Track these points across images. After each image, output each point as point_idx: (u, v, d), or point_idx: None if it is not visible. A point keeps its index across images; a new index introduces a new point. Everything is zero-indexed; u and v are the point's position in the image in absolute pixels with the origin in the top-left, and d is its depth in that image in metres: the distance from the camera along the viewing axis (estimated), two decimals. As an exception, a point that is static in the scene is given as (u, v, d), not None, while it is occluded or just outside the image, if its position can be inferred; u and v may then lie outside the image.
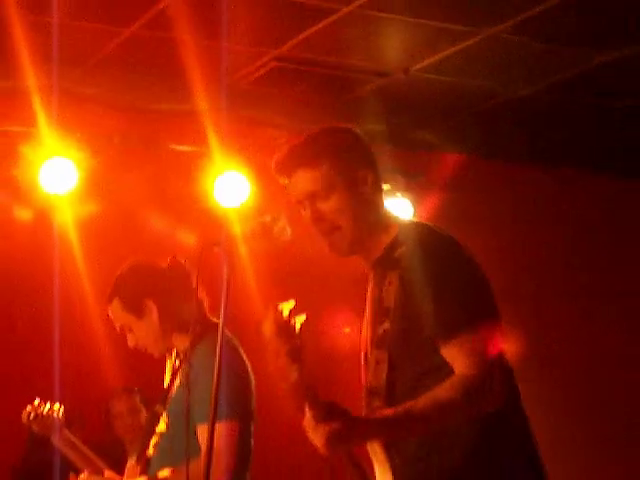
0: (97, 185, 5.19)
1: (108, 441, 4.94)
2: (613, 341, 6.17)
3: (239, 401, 2.88)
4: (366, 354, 2.55)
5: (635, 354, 6.17)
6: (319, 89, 5.02)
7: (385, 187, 2.82)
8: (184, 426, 2.78)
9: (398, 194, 5.36)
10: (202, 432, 2.71)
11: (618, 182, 6.42)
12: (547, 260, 6.13)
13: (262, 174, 5.09)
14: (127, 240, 5.28)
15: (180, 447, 2.81)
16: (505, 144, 6.04)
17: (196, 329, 3.04)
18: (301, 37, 4.59)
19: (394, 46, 4.89)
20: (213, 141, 5.03)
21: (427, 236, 2.53)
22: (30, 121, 4.84)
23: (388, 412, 2.39)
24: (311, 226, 2.49)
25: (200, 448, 2.78)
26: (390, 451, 2.46)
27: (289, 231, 2.47)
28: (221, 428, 2.72)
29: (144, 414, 4.83)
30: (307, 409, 2.30)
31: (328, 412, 2.27)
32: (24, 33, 4.32)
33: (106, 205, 5.32)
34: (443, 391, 2.34)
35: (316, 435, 2.28)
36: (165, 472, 2.98)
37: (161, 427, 3.20)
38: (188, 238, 4.99)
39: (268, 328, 2.23)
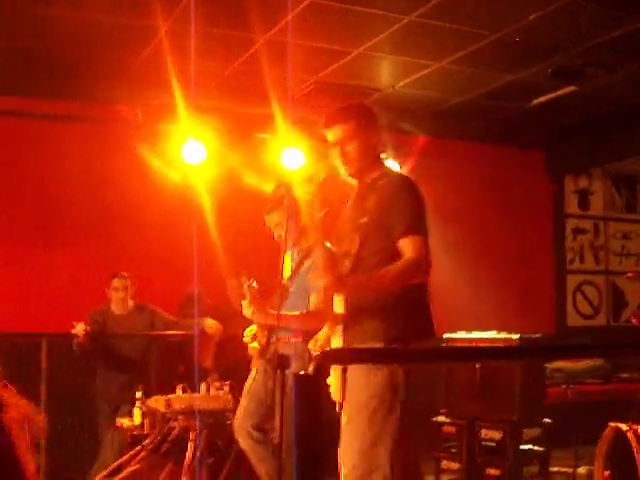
0: (217, 158, 7.12)
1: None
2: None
3: None
4: (341, 237, 3.61)
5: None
6: (342, 100, 4.98)
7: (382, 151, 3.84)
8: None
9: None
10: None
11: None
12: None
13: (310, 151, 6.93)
14: (233, 193, 7.22)
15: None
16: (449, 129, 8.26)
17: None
18: (329, 70, 6.56)
19: (385, 72, 6.75)
20: (282, 130, 6.83)
21: (399, 176, 3.73)
22: (177, 118, 6.66)
23: (360, 277, 3.48)
24: (337, 158, 3.59)
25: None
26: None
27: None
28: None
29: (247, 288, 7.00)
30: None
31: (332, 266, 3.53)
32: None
33: (222, 171, 7.24)
34: (397, 265, 3.39)
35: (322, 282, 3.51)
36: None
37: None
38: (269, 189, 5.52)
39: None
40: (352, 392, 3.50)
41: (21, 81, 6.68)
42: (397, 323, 3.42)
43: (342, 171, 3.60)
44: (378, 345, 3.37)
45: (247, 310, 4.51)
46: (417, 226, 3.45)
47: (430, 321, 3.57)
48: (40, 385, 5.52)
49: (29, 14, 5.52)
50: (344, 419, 3.50)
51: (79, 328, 5.96)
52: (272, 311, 4.43)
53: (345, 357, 2.70)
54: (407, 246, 3.40)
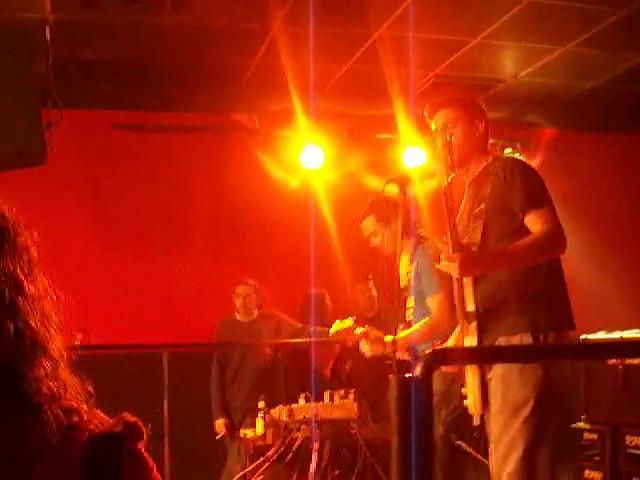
0: (336, 162, 7.21)
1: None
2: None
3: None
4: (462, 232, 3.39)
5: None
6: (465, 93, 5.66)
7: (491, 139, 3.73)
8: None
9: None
10: (431, 302, 4.05)
11: None
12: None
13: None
14: (354, 196, 6.62)
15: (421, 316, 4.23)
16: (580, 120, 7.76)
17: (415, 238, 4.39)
18: (447, 63, 6.32)
19: (506, 61, 6.45)
20: (403, 129, 6.69)
21: (511, 158, 3.88)
22: (295, 123, 6.75)
23: (495, 250, 3.32)
24: (440, 146, 3.44)
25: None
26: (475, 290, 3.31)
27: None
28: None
29: (374, 293, 6.63)
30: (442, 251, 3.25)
31: (455, 250, 3.22)
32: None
33: (341, 174, 7.26)
34: (531, 239, 3.23)
35: (450, 267, 3.23)
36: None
37: (410, 303, 4.51)
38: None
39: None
40: (504, 396, 3.26)
41: (137, 95, 6.76)
42: (538, 315, 3.24)
43: (444, 162, 3.40)
44: (524, 340, 3.19)
45: (365, 347, 4.37)
46: (541, 199, 3.30)
47: (571, 313, 3.38)
48: (163, 396, 5.47)
49: (140, 26, 5.55)
50: (495, 429, 3.26)
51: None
52: (387, 338, 4.28)
53: (460, 356, 2.44)
54: (535, 220, 3.25)
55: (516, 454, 3.16)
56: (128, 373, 6.08)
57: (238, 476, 5.32)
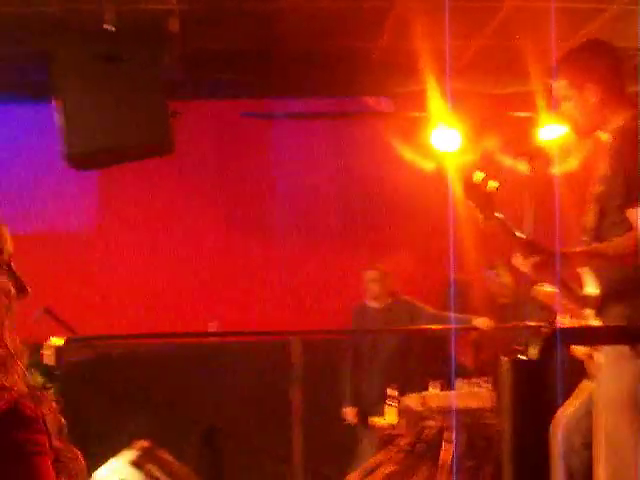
0: (472, 143, 6.84)
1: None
2: None
3: None
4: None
5: None
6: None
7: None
8: None
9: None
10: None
11: None
12: None
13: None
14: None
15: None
16: None
17: None
18: (582, 33, 5.74)
19: None
20: (541, 108, 6.22)
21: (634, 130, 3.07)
22: (428, 104, 6.38)
23: (577, 249, 3.07)
24: (560, 113, 3.24)
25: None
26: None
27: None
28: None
29: (507, 279, 6.37)
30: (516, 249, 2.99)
31: (530, 249, 2.98)
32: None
33: (477, 155, 6.68)
34: (621, 240, 2.95)
35: (524, 266, 2.99)
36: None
37: None
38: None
39: (460, 188, 3.10)
40: (601, 384, 3.01)
41: (264, 82, 6.74)
42: None
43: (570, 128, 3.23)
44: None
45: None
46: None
47: None
48: (293, 384, 5.44)
49: (263, 13, 5.52)
50: (603, 421, 2.98)
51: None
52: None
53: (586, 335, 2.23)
54: (636, 217, 2.91)
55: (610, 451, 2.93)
56: (259, 360, 6.08)
57: (367, 465, 5.22)
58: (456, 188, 6.50)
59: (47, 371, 4.95)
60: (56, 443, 1.35)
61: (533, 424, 1.81)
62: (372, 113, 7.13)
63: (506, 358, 1.91)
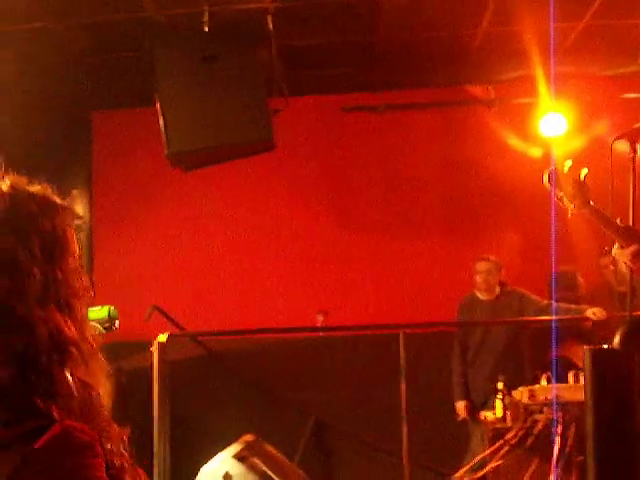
0: (579, 128, 6.76)
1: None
2: None
3: None
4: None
5: None
6: None
7: None
8: None
9: None
10: None
11: None
12: None
13: None
14: (598, 161, 6.97)
15: None
16: None
17: None
18: None
19: None
20: None
21: None
22: (532, 90, 6.37)
23: None
24: None
25: None
26: None
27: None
28: None
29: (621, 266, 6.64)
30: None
31: (629, 238, 3.00)
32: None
33: (584, 140, 6.75)
34: None
35: (623, 255, 3.02)
36: None
37: None
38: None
39: (544, 177, 3.02)
40: None
41: (364, 76, 6.74)
42: None
43: None
44: None
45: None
46: None
47: None
48: (399, 377, 5.40)
49: (358, 6, 5.53)
50: None
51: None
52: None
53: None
54: None
55: None
56: (366, 354, 6.07)
57: (476, 460, 5.12)
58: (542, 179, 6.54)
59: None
60: (118, 462, 1.33)
61: (614, 414, 1.71)
62: (475, 101, 7.04)
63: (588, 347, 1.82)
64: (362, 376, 6.14)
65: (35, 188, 1.44)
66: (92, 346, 1.37)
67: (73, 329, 1.33)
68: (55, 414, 1.25)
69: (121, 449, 1.36)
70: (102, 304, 2.39)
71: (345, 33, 6.00)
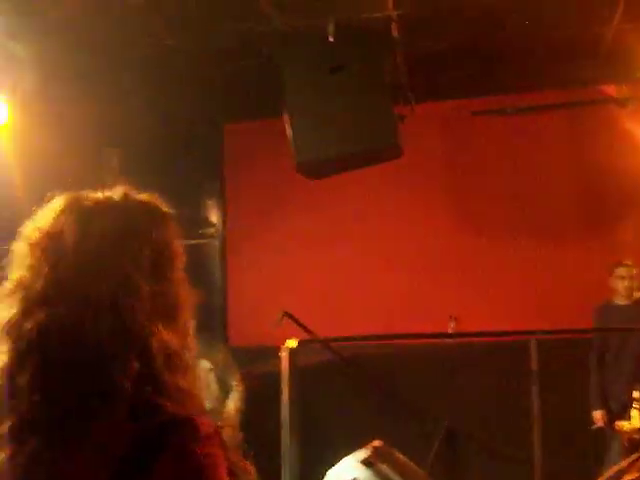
0: None
1: None
2: None
3: None
4: None
5: None
6: None
7: None
8: None
9: None
10: None
11: None
12: None
13: None
14: None
15: None
16: None
17: None
18: None
19: None
20: None
21: None
22: None
23: None
24: None
25: None
26: None
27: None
28: None
29: None
30: None
31: None
32: None
33: None
34: None
35: None
36: None
37: None
38: None
39: None
40: None
41: (492, 79, 6.65)
42: None
43: None
44: None
45: None
46: None
47: None
48: (533, 387, 5.28)
49: (481, 8, 5.45)
50: None
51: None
52: None
53: None
54: None
55: None
56: (497, 361, 5.98)
57: (610, 473, 4.94)
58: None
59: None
60: (231, 457, 1.38)
61: None
62: (607, 101, 6.82)
63: None
64: (494, 383, 6.06)
65: (145, 197, 1.48)
66: (192, 355, 1.43)
67: (175, 340, 1.39)
68: (177, 411, 1.32)
69: (233, 445, 1.42)
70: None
71: (470, 37, 5.92)
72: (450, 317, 6.37)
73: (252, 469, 1.46)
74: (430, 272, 6.81)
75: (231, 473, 1.35)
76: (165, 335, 1.37)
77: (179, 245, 1.47)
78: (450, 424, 5.85)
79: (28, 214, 1.46)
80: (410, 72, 5.81)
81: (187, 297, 1.45)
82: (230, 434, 1.42)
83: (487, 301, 6.57)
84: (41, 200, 1.47)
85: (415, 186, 6.91)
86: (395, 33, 5.47)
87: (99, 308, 1.32)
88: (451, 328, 6.40)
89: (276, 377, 4.83)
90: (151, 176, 1.46)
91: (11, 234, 1.44)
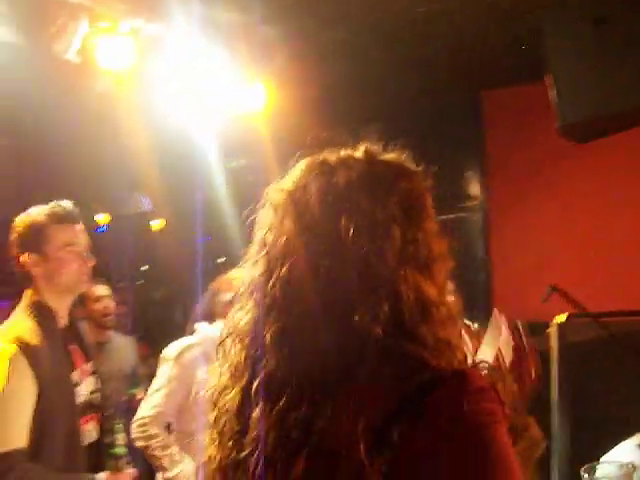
0: None
1: None
2: None
3: None
4: None
5: None
6: None
7: None
8: None
9: None
10: None
11: None
12: None
13: None
14: None
15: None
16: None
17: None
18: None
19: None
20: None
21: None
22: None
23: None
24: None
25: None
26: None
27: None
28: None
29: None
30: None
31: None
32: None
33: None
34: None
35: None
36: None
37: None
38: None
39: None
40: None
41: None
42: None
43: None
44: None
45: None
46: None
47: None
48: None
49: None
50: None
51: None
52: None
53: None
54: None
55: None
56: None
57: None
58: None
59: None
60: (508, 412, 1.25)
61: None
62: None
63: None
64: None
65: (390, 156, 1.45)
66: (451, 310, 1.35)
67: (433, 290, 1.32)
68: (440, 363, 1.24)
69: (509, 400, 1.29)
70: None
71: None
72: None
73: (535, 425, 1.37)
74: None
75: (511, 430, 1.24)
76: (418, 280, 1.31)
77: (429, 201, 1.42)
78: None
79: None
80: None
81: (442, 250, 1.39)
82: (503, 390, 1.28)
83: None
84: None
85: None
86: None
87: (345, 251, 1.30)
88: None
89: (545, 354, 4.56)
90: (410, 150, 1.43)
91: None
